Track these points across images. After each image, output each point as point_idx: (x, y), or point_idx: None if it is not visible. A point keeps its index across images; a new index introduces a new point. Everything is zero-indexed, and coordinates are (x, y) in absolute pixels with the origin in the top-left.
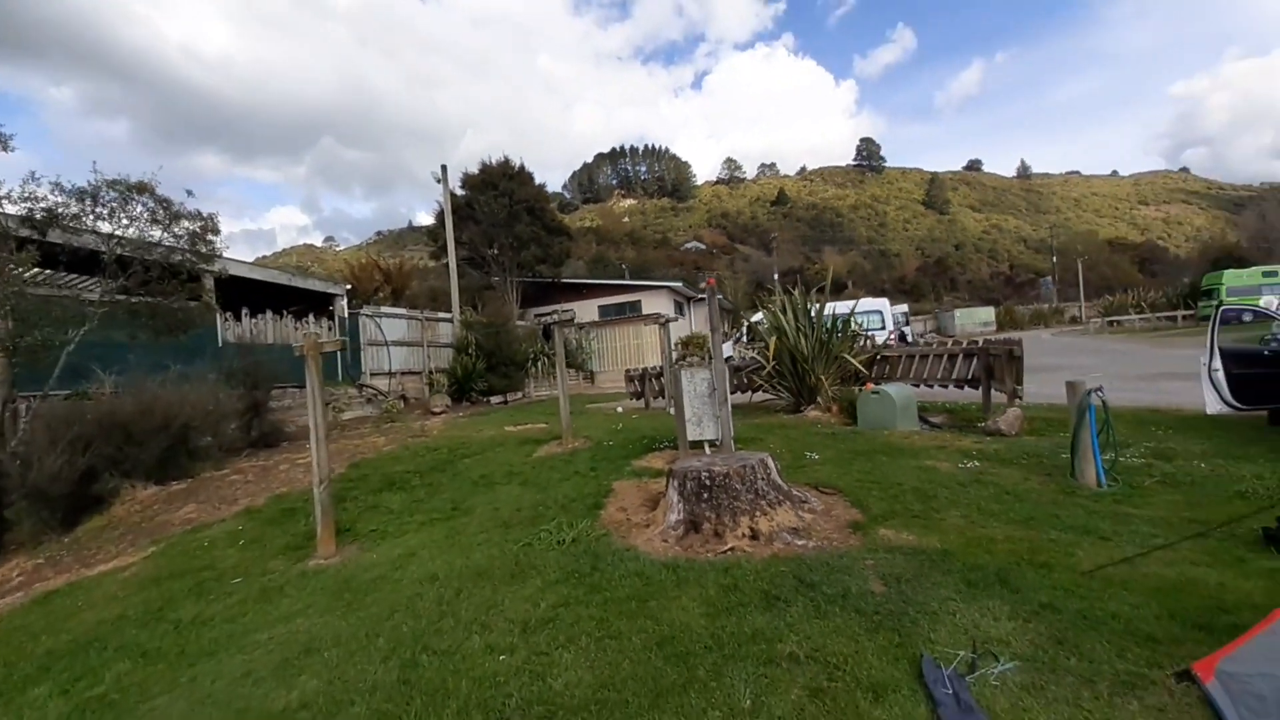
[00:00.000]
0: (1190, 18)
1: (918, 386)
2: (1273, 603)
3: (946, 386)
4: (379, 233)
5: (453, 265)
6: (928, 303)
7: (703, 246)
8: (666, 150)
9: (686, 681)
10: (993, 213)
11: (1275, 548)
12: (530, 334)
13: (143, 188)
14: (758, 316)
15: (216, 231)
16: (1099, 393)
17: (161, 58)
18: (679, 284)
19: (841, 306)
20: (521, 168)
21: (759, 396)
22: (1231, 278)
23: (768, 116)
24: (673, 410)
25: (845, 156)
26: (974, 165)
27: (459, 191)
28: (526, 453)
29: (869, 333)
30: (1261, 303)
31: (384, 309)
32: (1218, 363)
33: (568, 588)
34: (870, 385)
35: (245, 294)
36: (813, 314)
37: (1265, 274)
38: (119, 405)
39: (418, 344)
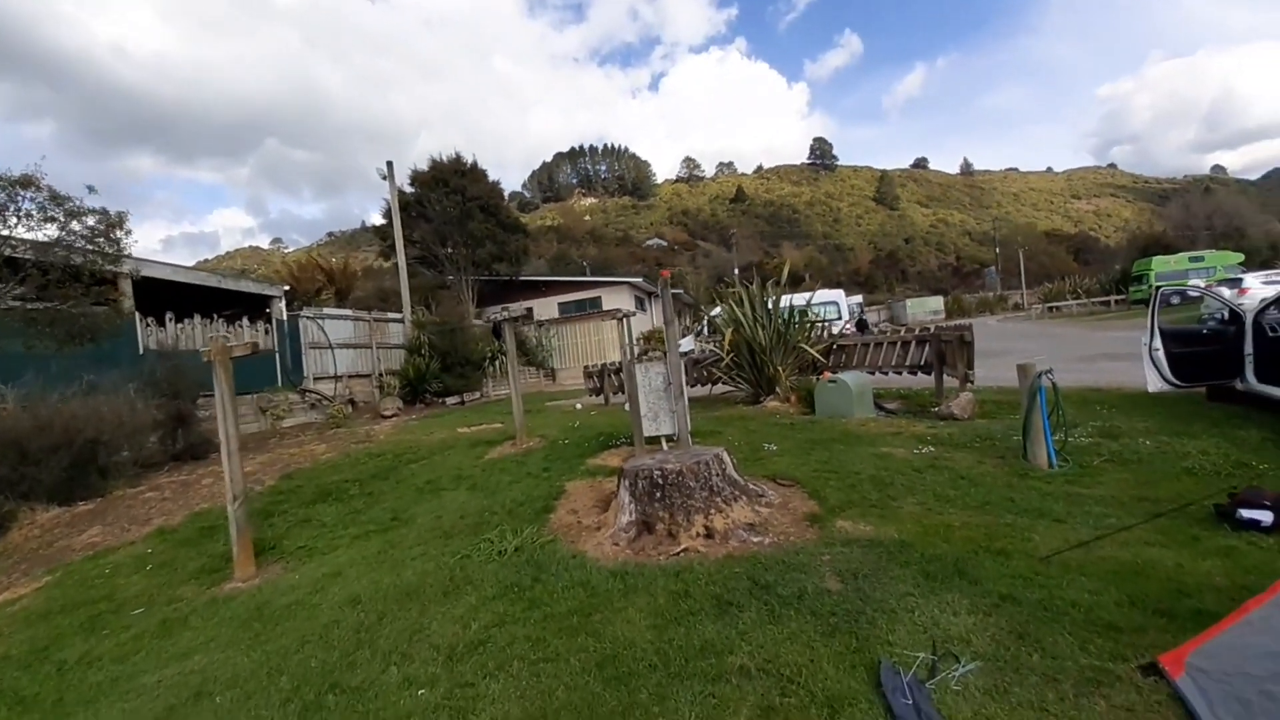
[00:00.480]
0: (1115, 24)
1: (873, 374)
2: (1232, 583)
3: (900, 373)
4: (330, 234)
5: (402, 263)
6: (881, 293)
7: (664, 243)
8: (626, 150)
9: (627, 708)
10: (939, 208)
11: (1228, 525)
12: (487, 333)
13: (27, 181)
14: (717, 310)
15: (123, 228)
16: (1049, 375)
17: (91, 58)
18: (639, 280)
19: (798, 298)
20: (474, 164)
21: (719, 389)
22: (1160, 264)
23: (724, 117)
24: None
25: (799, 155)
26: (920, 163)
27: (408, 189)
28: (478, 455)
29: (826, 322)
30: (1191, 284)
31: (326, 310)
32: (1158, 342)
33: (504, 604)
34: (827, 374)
35: (173, 298)
36: (770, 305)
37: (1191, 259)
38: (14, 422)
39: (366, 346)
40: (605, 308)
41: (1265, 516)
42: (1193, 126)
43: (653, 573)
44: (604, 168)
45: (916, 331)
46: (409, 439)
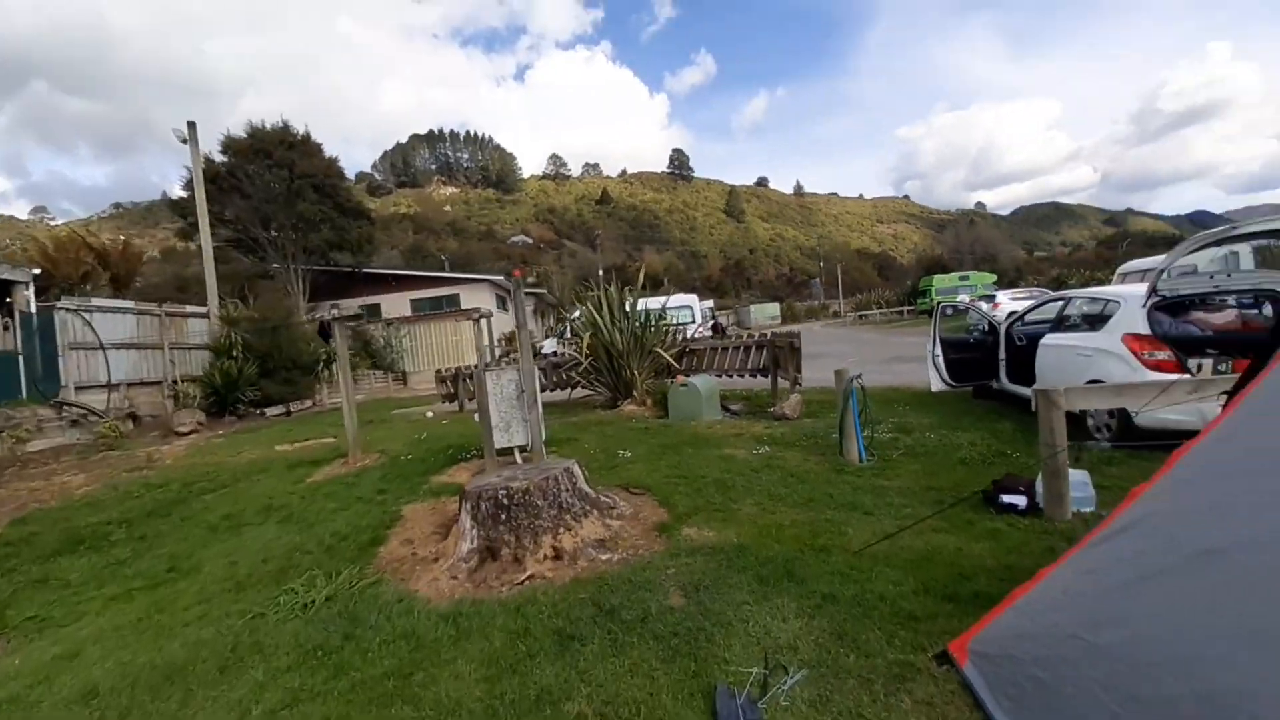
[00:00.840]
0: (914, 75)
1: (720, 376)
2: (999, 563)
3: (743, 375)
4: (118, 205)
5: (206, 245)
6: (730, 299)
7: (530, 240)
8: (490, 139)
9: None
10: (777, 223)
11: (993, 509)
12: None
13: None
14: (578, 312)
15: None
16: (859, 379)
17: None
18: (502, 277)
19: (654, 302)
20: (306, 136)
21: (578, 393)
22: (939, 281)
23: (590, 118)
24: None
25: (660, 163)
26: (762, 181)
27: (219, 158)
28: (298, 478)
29: (680, 325)
30: (959, 299)
31: (97, 301)
32: (938, 349)
33: (302, 675)
34: (680, 378)
35: None
36: (628, 309)
37: (960, 278)
38: None
39: (155, 346)
40: (464, 306)
41: (1020, 501)
42: (964, 169)
43: (492, 609)
44: (466, 156)
45: (756, 337)
46: (208, 461)
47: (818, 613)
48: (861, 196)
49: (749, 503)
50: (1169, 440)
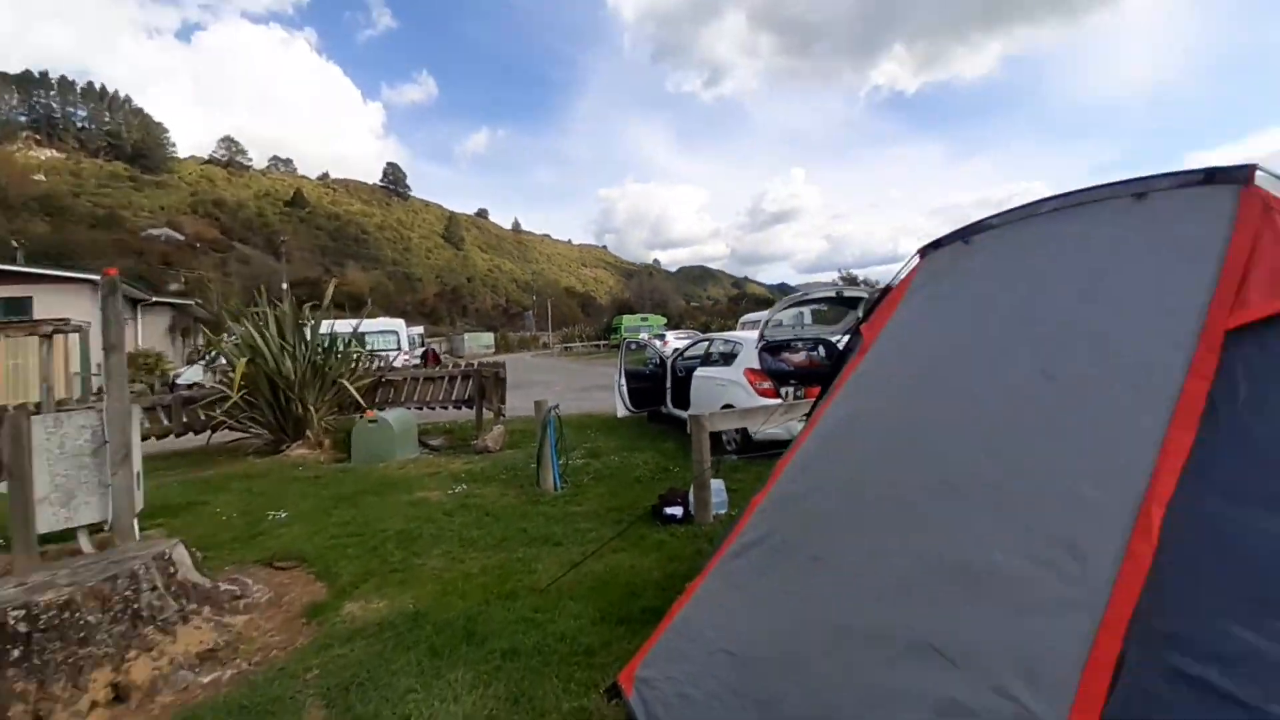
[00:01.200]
0: (612, 146)
1: (421, 409)
2: (664, 574)
3: (448, 407)
4: None
5: None
6: (445, 326)
7: (179, 237)
8: (127, 100)
9: None
10: (495, 255)
11: (659, 521)
12: None
13: None
14: (234, 334)
15: None
16: (557, 409)
17: None
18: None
19: (345, 325)
20: None
21: (230, 436)
22: (626, 320)
23: (284, 107)
24: (9, 487)
25: (373, 175)
26: (483, 213)
27: None
28: None
29: (380, 352)
30: (641, 336)
31: None
32: (623, 379)
33: None
34: (371, 413)
35: None
36: (308, 332)
37: (641, 319)
38: None
39: None
40: (38, 315)
41: (678, 511)
42: (646, 230)
43: None
44: (84, 114)
45: (462, 366)
46: None
47: (495, 676)
48: (570, 241)
49: (436, 554)
50: (774, 450)
